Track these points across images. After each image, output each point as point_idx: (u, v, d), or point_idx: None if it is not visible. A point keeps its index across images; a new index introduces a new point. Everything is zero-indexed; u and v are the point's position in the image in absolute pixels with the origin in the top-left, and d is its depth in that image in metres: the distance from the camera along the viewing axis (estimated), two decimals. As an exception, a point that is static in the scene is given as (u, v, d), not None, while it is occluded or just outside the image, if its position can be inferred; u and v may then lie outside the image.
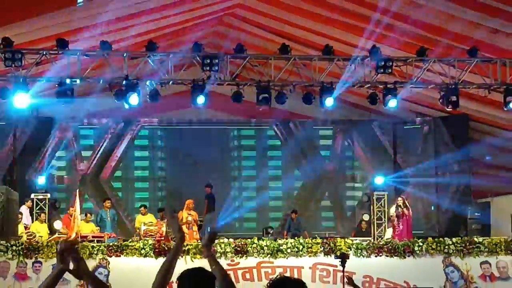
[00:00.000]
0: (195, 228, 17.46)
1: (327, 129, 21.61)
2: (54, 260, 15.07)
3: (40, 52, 15.57)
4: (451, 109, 17.67)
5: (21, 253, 15.64)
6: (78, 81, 15.95)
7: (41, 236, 16.68)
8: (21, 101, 15.68)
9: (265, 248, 16.59)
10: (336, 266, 15.08)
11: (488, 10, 14.33)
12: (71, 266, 5.06)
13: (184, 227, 16.82)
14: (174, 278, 5.05)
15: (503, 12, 14.14)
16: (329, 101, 16.80)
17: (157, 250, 15.90)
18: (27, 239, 16.36)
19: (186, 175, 21.33)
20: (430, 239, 17.70)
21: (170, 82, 16.58)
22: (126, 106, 16.53)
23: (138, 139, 21.16)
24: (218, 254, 16.07)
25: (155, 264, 14.89)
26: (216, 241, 16.57)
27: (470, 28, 15.60)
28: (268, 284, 7.00)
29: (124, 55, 16.05)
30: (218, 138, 21.85)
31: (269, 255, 16.45)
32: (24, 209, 17.86)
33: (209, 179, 20.82)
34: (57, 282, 5.75)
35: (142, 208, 18.45)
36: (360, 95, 17.75)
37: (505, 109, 16.70)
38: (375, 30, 16.24)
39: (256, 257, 16.43)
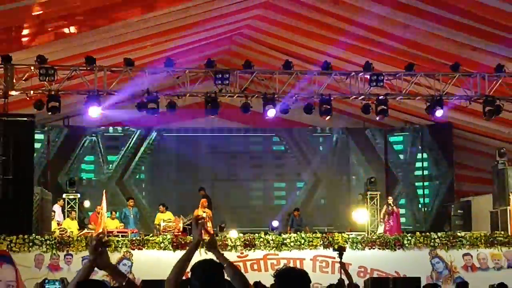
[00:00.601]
0: (209, 224, 17.34)
1: (325, 136, 21.37)
2: (84, 253, 15.15)
3: (71, 68, 15.39)
4: (434, 118, 17.75)
5: (54, 246, 15.54)
6: (104, 94, 15.86)
7: (71, 232, 16.55)
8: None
9: (271, 242, 16.49)
10: (334, 258, 14.94)
11: (469, 30, 14.20)
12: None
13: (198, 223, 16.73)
14: (188, 268, 4.91)
15: (482, 31, 14.08)
16: (327, 113, 16.66)
17: (174, 244, 15.81)
18: (60, 234, 16.23)
19: (199, 177, 21.04)
20: (417, 233, 17.55)
21: (187, 95, 16.43)
22: (147, 115, 16.43)
23: (157, 145, 20.88)
24: (229, 247, 16.06)
25: (173, 256, 14.86)
26: (227, 235, 16.87)
27: (453, 46, 15.52)
28: (275, 274, 6.71)
29: (145, 70, 15.89)
30: (228, 144, 21.49)
31: (274, 248, 16.36)
32: (57, 208, 17.76)
33: (219, 182, 21.13)
34: (91, 273, 5.55)
35: (161, 207, 18.27)
36: (354, 105, 17.62)
37: (485, 117, 16.59)
38: (368, 48, 16.21)
39: (262, 250, 16.33)
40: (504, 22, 13.20)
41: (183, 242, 15.69)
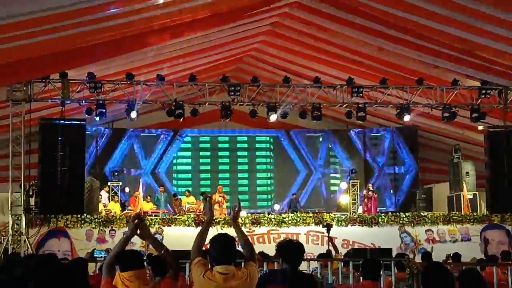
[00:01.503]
0: (224, 205, 17.43)
1: (317, 136, 21.36)
2: (124, 229, 15.22)
3: (114, 82, 15.48)
4: (405, 123, 17.67)
5: (101, 224, 15.68)
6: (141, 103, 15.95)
7: (115, 212, 16.66)
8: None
9: (273, 220, 16.55)
10: (323, 233, 14.99)
11: (431, 52, 14.18)
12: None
13: (216, 205, 16.98)
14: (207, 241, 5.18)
15: (442, 53, 14.06)
16: (317, 118, 16.70)
17: (196, 221, 15.97)
18: (105, 214, 16.37)
19: (216, 169, 21.12)
20: (389, 213, 17.67)
21: (206, 104, 16.50)
22: (175, 119, 16.50)
23: (182, 144, 20.92)
24: (241, 223, 16.10)
25: (195, 231, 14.51)
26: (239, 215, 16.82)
27: (418, 64, 15.46)
28: (277, 246, 6.76)
29: (173, 84, 15.96)
30: (238, 142, 21.49)
31: (276, 225, 16.42)
32: (103, 193, 17.82)
33: (232, 173, 21.15)
34: (127, 243, 5.59)
35: (187, 192, 18.42)
36: (339, 110, 17.62)
37: (443, 121, 16.62)
38: (350, 66, 16.17)
39: (266, 226, 16.40)
40: (459, 46, 13.19)
41: (203, 221, 15.71)
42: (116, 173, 18.73)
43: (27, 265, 1.41)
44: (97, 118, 16.16)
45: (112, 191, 17.69)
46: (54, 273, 1.55)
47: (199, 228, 16.41)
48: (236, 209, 5.79)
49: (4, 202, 16.53)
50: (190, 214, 16.62)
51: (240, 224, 17.19)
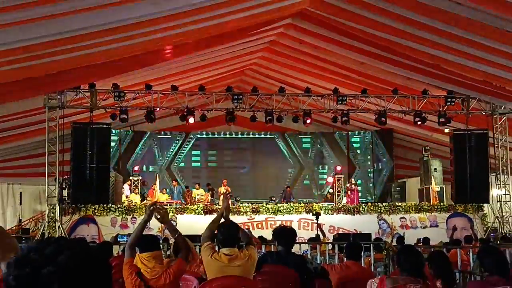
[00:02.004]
0: (229, 199, 17.49)
1: (306, 138, 21.40)
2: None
3: (135, 92, 15.50)
4: (382, 126, 17.74)
5: (124, 212, 15.78)
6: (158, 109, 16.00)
7: (135, 202, 16.66)
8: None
9: (270, 209, 16.60)
10: (313, 220, 15.01)
11: (404, 66, 14.15)
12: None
13: (221, 197, 16.99)
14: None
15: (414, 67, 14.04)
16: (308, 122, 16.78)
17: (205, 210, 15.98)
18: (127, 204, 16.42)
19: (221, 165, 21.15)
20: (369, 204, 17.84)
21: (213, 110, 16.51)
22: (186, 123, 16.56)
23: (193, 144, 20.94)
24: (242, 213, 16.24)
25: (204, 219, 14.87)
26: (240, 204, 16.95)
27: (393, 77, 15.42)
28: (273, 231, 6.77)
29: (185, 93, 15.95)
30: (240, 142, 21.42)
31: (272, 213, 16.48)
32: (126, 186, 17.79)
33: (236, 168, 21.19)
34: (145, 226, 5.61)
35: (196, 185, 18.42)
36: (326, 115, 17.67)
37: (415, 125, 16.74)
38: (336, 78, 16.11)
39: (264, 214, 16.45)
40: (429, 61, 13.20)
41: (210, 209, 15.86)
42: (136, 169, 18.81)
43: (58, 244, 1.41)
44: (121, 122, 16.19)
45: (133, 184, 17.69)
46: (82, 251, 1.55)
47: (207, 216, 16.46)
48: (226, 209, 5.96)
49: (41, 193, 16.65)
50: (199, 204, 16.73)
51: (242, 212, 17.17)
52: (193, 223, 14.73)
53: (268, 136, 20.99)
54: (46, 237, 13.99)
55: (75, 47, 10.32)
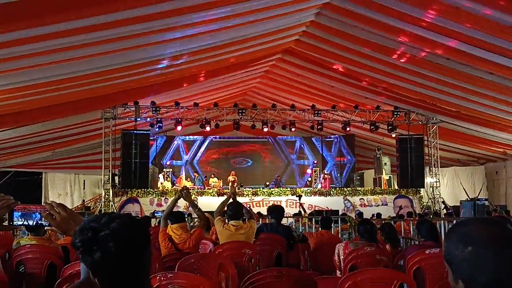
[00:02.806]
0: (235, 184, 17.43)
1: (292, 141, 21.21)
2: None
3: (166, 107, 15.46)
4: (347, 132, 17.64)
5: (159, 194, 15.68)
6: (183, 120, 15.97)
7: (167, 188, 16.55)
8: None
9: (265, 192, 16.56)
10: (296, 200, 15.00)
11: (362, 89, 14.16)
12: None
13: (230, 184, 17.01)
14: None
15: (369, 89, 14.09)
16: (293, 129, 16.77)
17: (218, 193, 15.93)
18: (161, 189, 16.27)
19: (230, 161, 20.98)
20: (337, 188, 17.74)
21: (224, 120, 16.45)
22: (204, 130, 16.44)
23: (209, 145, 20.77)
24: (245, 195, 16.13)
25: (217, 200, 14.75)
26: (244, 189, 16.81)
27: (355, 96, 15.32)
28: (268, 208, 6.77)
29: (204, 108, 15.89)
30: (244, 144, 21.17)
31: (267, 195, 16.43)
32: (161, 176, 17.60)
33: (241, 163, 20.92)
34: (175, 203, 5.64)
35: (212, 175, 18.25)
36: (306, 124, 17.64)
37: (371, 131, 16.55)
38: (313, 97, 15.99)
39: (261, 196, 16.40)
40: (381, 85, 13.23)
41: (222, 193, 15.76)
42: (168, 164, 18.80)
43: (110, 216, 1.46)
44: (157, 129, 16.14)
45: (165, 174, 17.65)
46: (128, 220, 1.59)
47: (220, 197, 16.40)
48: (233, 192, 6.01)
49: (99, 181, 16.63)
50: (214, 189, 16.62)
51: (245, 195, 17.01)
52: (210, 202, 14.75)
53: (264, 139, 20.93)
54: (102, 212, 14.03)
55: (123, 75, 10.34)
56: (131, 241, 1.58)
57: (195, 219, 9.52)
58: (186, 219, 7.50)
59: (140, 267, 1.61)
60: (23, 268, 4.70)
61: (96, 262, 1.57)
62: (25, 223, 6.79)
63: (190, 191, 6.70)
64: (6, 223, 2.22)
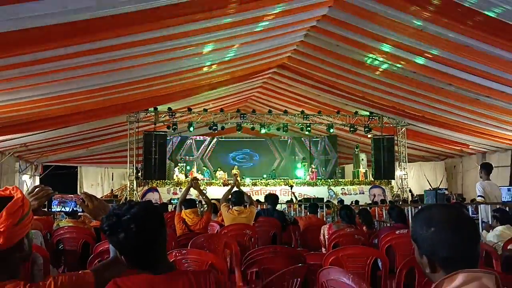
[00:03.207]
0: (238, 177, 17.30)
1: (285, 140, 20.99)
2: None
3: (180, 112, 15.40)
4: (331, 133, 17.61)
5: (174, 185, 15.66)
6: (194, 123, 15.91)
7: (182, 179, 16.50)
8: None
9: (263, 183, 16.56)
10: (289, 190, 15.00)
11: (343, 97, 14.01)
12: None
13: (233, 176, 16.89)
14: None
15: (348, 98, 13.95)
16: (286, 131, 16.67)
17: (224, 184, 15.87)
18: (177, 180, 16.26)
19: (233, 157, 20.85)
20: (322, 180, 17.71)
21: (229, 123, 16.40)
22: (212, 131, 16.38)
23: (216, 144, 20.56)
24: (246, 185, 16.06)
25: (223, 189, 14.74)
26: (245, 180, 16.77)
27: (337, 103, 15.20)
28: (265, 196, 6.76)
29: (212, 113, 15.80)
30: (245, 144, 21.00)
31: (264, 185, 16.43)
32: (176, 169, 17.58)
33: (243, 158, 20.68)
34: (188, 192, 5.60)
35: (218, 169, 18.22)
36: (297, 127, 17.59)
37: (350, 132, 16.40)
38: (303, 104, 15.92)
39: (259, 186, 16.39)
40: (359, 94, 13.20)
41: (227, 183, 15.67)
42: (182, 159, 18.73)
43: (130, 204, 1.50)
44: (173, 131, 16.04)
45: (180, 168, 17.60)
46: (145, 207, 1.61)
47: (225, 187, 16.33)
48: (236, 183, 6.00)
49: (125, 174, 16.55)
50: (220, 180, 16.58)
51: (246, 185, 16.96)
52: (217, 191, 14.78)
53: (262, 139, 20.87)
54: (127, 200, 14.00)
55: (144, 85, 10.32)
56: (148, 223, 1.61)
57: (205, 205, 9.53)
58: (197, 205, 7.51)
59: (157, 244, 1.63)
60: (62, 245, 4.70)
61: (120, 241, 1.59)
62: (62, 209, 6.80)
63: (198, 181, 6.68)
64: (45, 209, 2.25)
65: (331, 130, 16.62)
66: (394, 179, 16.60)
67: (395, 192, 16.54)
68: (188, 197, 5.82)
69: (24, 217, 1.56)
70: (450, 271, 1.29)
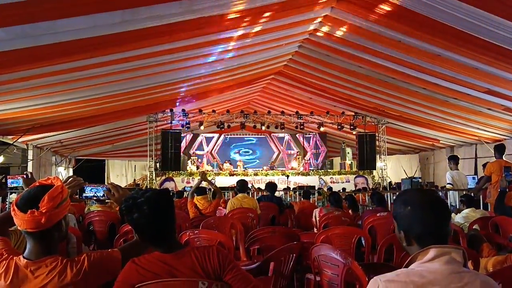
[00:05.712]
0: (206, 173, 17.25)
1: (282, 137, 20.61)
2: (198, 177, 15.21)
3: (192, 113, 15.36)
4: (321, 131, 17.36)
5: (188, 175, 15.60)
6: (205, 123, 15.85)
7: (194, 170, 16.44)
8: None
9: (263, 173, 16.52)
10: (285, 179, 14.96)
11: (332, 100, 13.94)
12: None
13: (238, 167, 16.84)
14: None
15: (337, 100, 13.88)
16: (283, 129, 16.56)
17: (230, 174, 15.85)
18: (190, 171, 16.17)
19: (239, 151, 20.63)
20: (314, 170, 17.69)
21: (234, 123, 16.33)
22: (220, 129, 16.21)
23: (223, 140, 20.27)
24: (248, 175, 16.00)
25: (229, 179, 14.90)
26: (248, 171, 16.65)
27: (327, 105, 15.07)
28: (266, 184, 6.76)
29: (220, 114, 15.74)
30: (248, 140, 20.94)
31: (264, 176, 16.34)
32: (189, 162, 17.56)
33: (246, 153, 20.39)
34: (200, 183, 5.58)
35: (225, 161, 18.10)
36: (292, 125, 17.49)
37: (338, 130, 16.23)
38: (298, 106, 15.79)
39: (260, 176, 16.25)
40: (345, 97, 13.14)
41: (233, 174, 15.74)
42: (194, 153, 18.66)
43: (146, 190, 1.53)
44: (186, 129, 15.96)
45: (192, 161, 17.57)
46: (158, 192, 1.63)
47: (232, 177, 15.98)
48: (203, 177, 5.92)
49: (145, 166, 16.51)
50: (227, 171, 16.50)
51: (249, 175, 16.75)
52: (224, 180, 14.75)
53: (262, 136, 20.73)
54: (147, 188, 14.02)
55: (162, 90, 10.32)
56: (159, 205, 1.65)
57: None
58: (207, 192, 7.53)
59: (165, 224, 1.65)
60: (92, 227, 4.73)
61: (134, 220, 1.62)
62: (95, 195, 6.90)
63: (207, 174, 6.68)
64: (77, 196, 2.30)
65: (322, 128, 16.53)
66: (375, 169, 16.56)
67: (376, 181, 16.53)
68: (200, 185, 5.84)
69: (63, 202, 1.59)
70: (423, 245, 1.30)
